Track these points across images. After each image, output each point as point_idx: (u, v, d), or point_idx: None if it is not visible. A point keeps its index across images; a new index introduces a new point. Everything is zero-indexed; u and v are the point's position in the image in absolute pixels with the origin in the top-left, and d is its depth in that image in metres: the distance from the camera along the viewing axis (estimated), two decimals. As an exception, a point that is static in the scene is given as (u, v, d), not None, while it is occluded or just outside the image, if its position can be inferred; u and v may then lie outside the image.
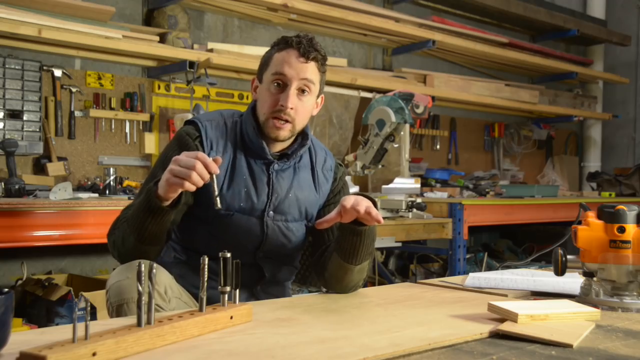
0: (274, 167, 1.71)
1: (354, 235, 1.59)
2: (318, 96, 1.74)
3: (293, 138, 1.73)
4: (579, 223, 1.59)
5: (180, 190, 1.46)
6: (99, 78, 3.55)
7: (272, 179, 1.70)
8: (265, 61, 1.70)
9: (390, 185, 3.83)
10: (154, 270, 1.09)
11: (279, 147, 1.73)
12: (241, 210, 1.67)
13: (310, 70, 1.65)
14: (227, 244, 1.63)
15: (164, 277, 1.51)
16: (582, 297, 1.55)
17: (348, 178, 3.67)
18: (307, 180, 1.77)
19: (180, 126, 1.77)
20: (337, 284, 1.68)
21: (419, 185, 3.99)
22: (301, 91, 1.66)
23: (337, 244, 1.65)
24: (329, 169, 1.83)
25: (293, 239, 1.74)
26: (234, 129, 1.72)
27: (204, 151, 1.66)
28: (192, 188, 1.42)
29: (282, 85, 1.65)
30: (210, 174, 1.42)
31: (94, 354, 0.96)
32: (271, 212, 1.70)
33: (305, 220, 1.77)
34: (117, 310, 1.46)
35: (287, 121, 1.65)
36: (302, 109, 1.67)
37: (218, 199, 1.47)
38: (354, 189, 3.69)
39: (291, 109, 1.64)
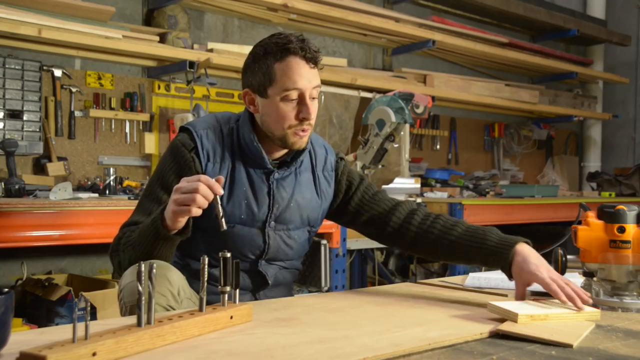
0: (274, 176, 1.66)
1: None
2: None
3: None
4: (579, 223, 1.59)
5: (187, 217, 1.44)
6: (99, 78, 3.55)
7: (272, 189, 1.66)
8: (265, 74, 1.57)
9: (390, 185, 3.83)
10: (154, 271, 1.09)
11: (278, 154, 1.68)
12: (242, 222, 1.64)
13: (317, 74, 1.60)
14: None
15: (177, 279, 1.49)
16: (582, 297, 1.55)
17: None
18: (309, 182, 1.73)
19: (178, 129, 1.72)
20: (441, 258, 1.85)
21: (419, 185, 3.99)
22: (312, 97, 1.59)
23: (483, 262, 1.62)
24: (329, 169, 1.78)
25: (295, 246, 1.72)
26: (231, 136, 1.66)
27: (200, 163, 1.62)
28: (199, 212, 1.39)
29: (297, 97, 1.57)
30: (214, 195, 1.39)
31: (94, 354, 0.96)
32: (272, 222, 1.67)
33: (308, 226, 1.75)
34: (130, 310, 1.46)
35: (306, 129, 1.60)
36: (315, 111, 1.61)
37: (223, 220, 1.42)
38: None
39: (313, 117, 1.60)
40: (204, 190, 1.37)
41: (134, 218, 1.62)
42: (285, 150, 1.68)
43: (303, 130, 1.59)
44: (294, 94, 1.56)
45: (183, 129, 1.68)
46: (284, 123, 1.58)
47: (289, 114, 1.57)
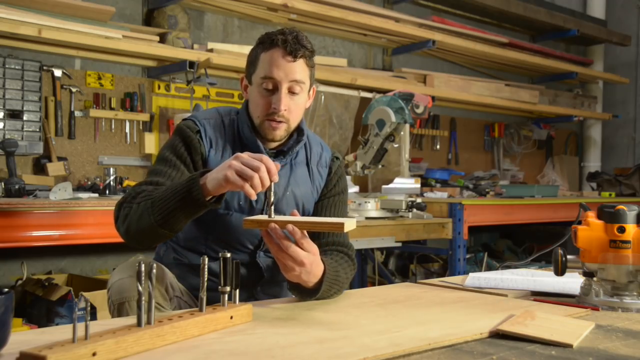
0: None
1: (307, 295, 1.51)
2: (309, 89, 1.71)
3: (288, 134, 1.72)
4: (579, 223, 1.59)
5: (230, 189, 1.37)
6: (99, 78, 3.55)
7: None
8: (252, 61, 1.66)
9: (390, 185, 3.83)
10: (154, 270, 1.09)
11: (274, 144, 1.71)
12: (240, 210, 1.65)
13: (299, 69, 1.62)
14: (228, 244, 1.63)
15: (165, 276, 1.51)
16: (582, 297, 1.55)
17: (348, 178, 3.67)
18: (304, 176, 1.75)
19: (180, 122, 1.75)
20: None
21: (419, 185, 3.98)
22: (292, 92, 1.63)
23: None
24: (323, 165, 1.80)
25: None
26: (232, 127, 1.71)
27: (203, 146, 1.65)
28: (251, 192, 1.31)
29: (272, 87, 1.62)
30: (271, 181, 1.34)
31: (94, 354, 0.96)
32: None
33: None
34: (118, 308, 1.46)
35: (281, 122, 1.64)
36: (295, 107, 1.65)
37: (272, 207, 1.38)
38: (354, 188, 3.68)
39: (285, 110, 1.62)
40: (264, 174, 1.32)
41: (150, 179, 1.58)
42: (281, 141, 1.70)
43: (274, 121, 1.63)
44: (269, 84, 1.62)
45: (186, 119, 1.71)
46: (258, 111, 1.65)
47: (263, 101, 1.63)
